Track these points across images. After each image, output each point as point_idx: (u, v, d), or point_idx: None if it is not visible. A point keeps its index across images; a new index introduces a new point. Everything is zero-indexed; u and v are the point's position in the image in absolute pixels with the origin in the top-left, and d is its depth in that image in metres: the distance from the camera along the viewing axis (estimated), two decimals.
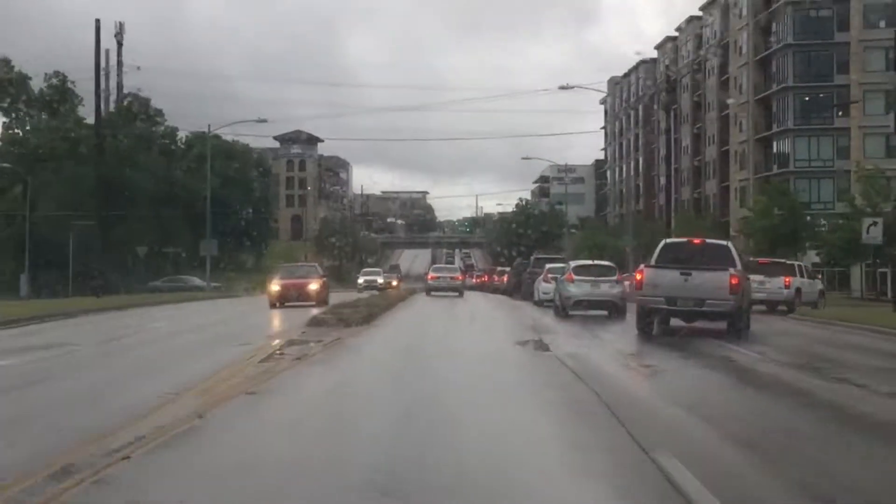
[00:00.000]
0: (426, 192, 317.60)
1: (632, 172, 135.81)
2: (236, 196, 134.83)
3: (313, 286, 43.45)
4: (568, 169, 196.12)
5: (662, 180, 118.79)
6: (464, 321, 36.99)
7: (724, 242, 28.93)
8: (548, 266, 43.55)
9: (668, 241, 29.80)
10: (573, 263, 41.54)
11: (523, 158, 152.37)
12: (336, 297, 46.07)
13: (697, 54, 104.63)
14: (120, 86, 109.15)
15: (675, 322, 27.74)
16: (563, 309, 36.32)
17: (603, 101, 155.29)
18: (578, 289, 36.42)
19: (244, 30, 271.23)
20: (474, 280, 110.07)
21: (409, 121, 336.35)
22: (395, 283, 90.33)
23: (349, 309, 34.69)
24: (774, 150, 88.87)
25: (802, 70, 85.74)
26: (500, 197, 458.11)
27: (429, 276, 67.21)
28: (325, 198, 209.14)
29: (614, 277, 37.46)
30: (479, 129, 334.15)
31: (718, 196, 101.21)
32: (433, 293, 61.81)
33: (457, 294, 61.83)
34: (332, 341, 23.62)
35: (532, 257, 53.41)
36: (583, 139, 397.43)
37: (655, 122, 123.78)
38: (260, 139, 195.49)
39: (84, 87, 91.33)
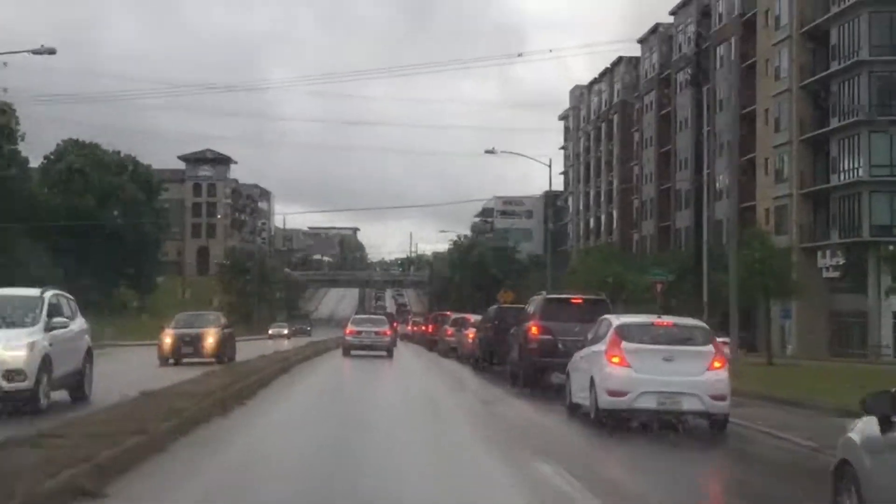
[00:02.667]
0: (356, 229, 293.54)
1: (602, 197, 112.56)
2: (117, 218, 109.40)
3: (210, 339, 37.19)
4: (515, 201, 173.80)
5: (641, 203, 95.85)
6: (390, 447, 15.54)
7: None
8: (621, 324, 18.40)
9: None
10: (629, 319, 19.56)
11: (441, 232, 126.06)
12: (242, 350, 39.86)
13: (702, 34, 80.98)
14: None
15: None
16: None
17: (564, 116, 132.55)
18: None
19: (156, 59, 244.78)
20: (409, 328, 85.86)
21: (335, 157, 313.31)
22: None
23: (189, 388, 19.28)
24: (834, 152, 65.25)
25: (882, 38, 62.42)
26: (433, 240, 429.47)
27: (347, 331, 49.94)
28: (239, 228, 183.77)
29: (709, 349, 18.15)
30: (410, 166, 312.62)
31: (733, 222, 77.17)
32: (353, 352, 46.95)
33: (384, 354, 46.68)
34: None
35: (539, 297, 29.03)
36: (523, 172, 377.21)
37: (635, 131, 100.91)
38: (162, 159, 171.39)
39: None
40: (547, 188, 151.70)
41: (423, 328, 71.02)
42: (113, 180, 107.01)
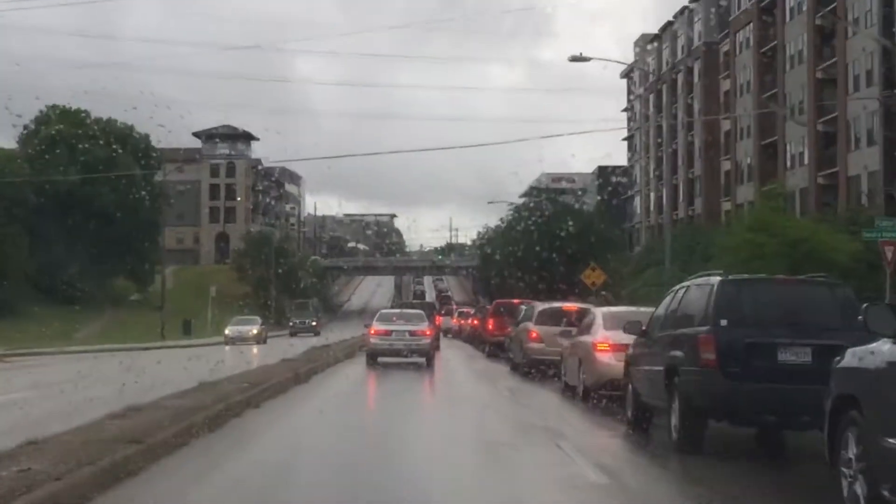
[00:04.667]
0: (394, 215, 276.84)
1: (679, 161, 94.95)
2: (109, 197, 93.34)
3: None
4: (566, 178, 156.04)
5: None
6: None
7: None
8: None
9: None
10: None
11: (489, 203, 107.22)
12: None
13: None
14: None
15: None
16: None
17: (626, 73, 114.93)
18: None
19: (183, 53, 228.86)
20: (455, 322, 69.11)
21: (366, 145, 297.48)
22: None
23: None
24: None
25: None
26: (472, 228, 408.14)
27: (371, 330, 35.87)
28: (264, 213, 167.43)
29: None
30: (445, 157, 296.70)
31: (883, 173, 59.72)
32: (381, 359, 34.48)
33: (422, 360, 34.30)
34: None
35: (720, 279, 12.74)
36: (562, 158, 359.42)
37: (723, 77, 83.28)
38: (176, 136, 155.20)
39: None
40: (599, 165, 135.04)
41: (473, 322, 54.10)
42: (102, 152, 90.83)
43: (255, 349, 50.05)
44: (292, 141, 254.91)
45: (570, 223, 53.50)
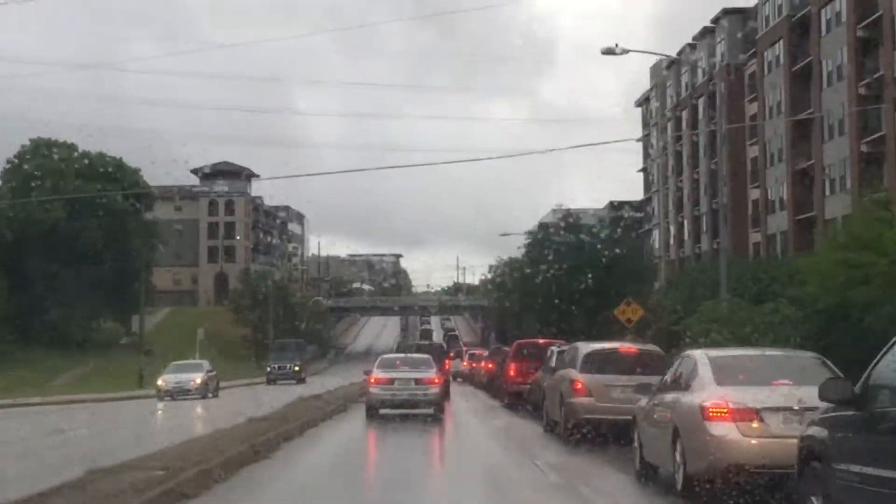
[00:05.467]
0: (399, 255, 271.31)
1: (701, 190, 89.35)
2: (95, 234, 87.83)
3: None
4: (575, 214, 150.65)
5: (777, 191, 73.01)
6: None
7: None
8: None
9: None
10: None
11: (502, 235, 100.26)
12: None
13: None
14: None
15: None
16: None
17: (642, 101, 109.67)
18: None
19: (184, 89, 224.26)
20: (466, 365, 63.53)
21: (369, 184, 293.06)
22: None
23: None
24: None
25: None
26: (480, 268, 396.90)
27: (371, 378, 31.12)
28: (265, 252, 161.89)
29: None
30: (451, 196, 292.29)
31: None
32: (383, 411, 29.83)
33: (430, 411, 29.42)
34: None
35: None
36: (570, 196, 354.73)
37: (750, 100, 77.83)
38: (173, 174, 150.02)
39: None
40: (613, 200, 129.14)
41: (488, 366, 48.26)
42: (90, 187, 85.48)
43: (199, 407, 39.79)
44: (293, 181, 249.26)
45: (603, 251, 47.52)
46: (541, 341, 34.62)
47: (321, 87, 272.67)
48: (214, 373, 51.93)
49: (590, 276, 46.96)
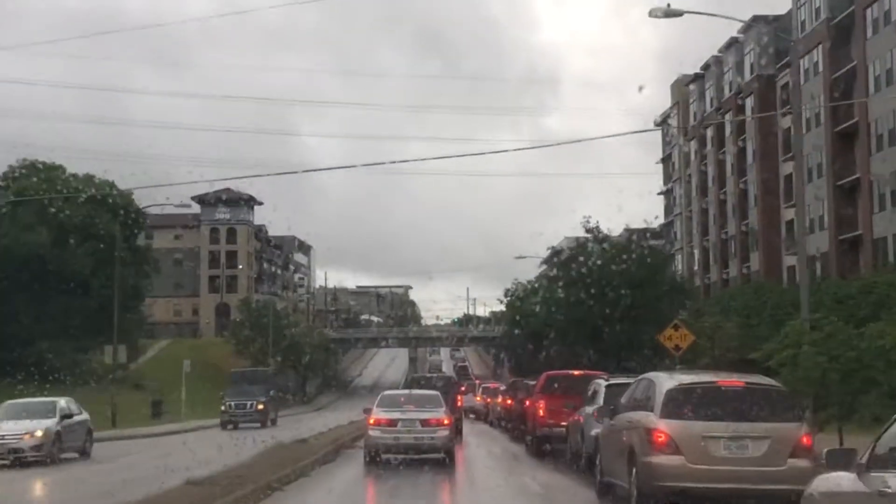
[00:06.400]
0: (409, 287, 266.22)
1: (729, 213, 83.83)
2: (85, 261, 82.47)
3: None
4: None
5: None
6: None
7: None
8: None
9: None
10: None
11: (517, 258, 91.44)
12: None
13: None
14: None
15: None
16: None
17: (662, 119, 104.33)
18: None
19: (185, 116, 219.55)
20: (479, 401, 58.03)
21: (377, 216, 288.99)
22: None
23: None
24: None
25: None
26: (490, 300, 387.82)
27: (371, 419, 26.46)
28: (269, 282, 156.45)
29: None
30: (460, 227, 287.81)
31: None
32: (385, 456, 25.76)
33: (440, 458, 25.34)
34: None
35: None
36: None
37: (785, 113, 72.36)
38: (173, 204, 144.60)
39: None
40: (630, 225, 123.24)
41: (506, 402, 42.58)
42: (77, 211, 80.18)
43: (37, 490, 23.11)
44: (299, 211, 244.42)
45: (635, 266, 41.56)
46: (575, 373, 28.92)
47: (324, 116, 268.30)
48: (83, 417, 33.31)
49: (625, 293, 41.11)
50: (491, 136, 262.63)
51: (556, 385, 28.10)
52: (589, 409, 21.48)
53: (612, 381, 21.07)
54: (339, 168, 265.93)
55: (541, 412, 27.67)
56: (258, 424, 51.61)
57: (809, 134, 68.03)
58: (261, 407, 54.09)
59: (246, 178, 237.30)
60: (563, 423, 25.40)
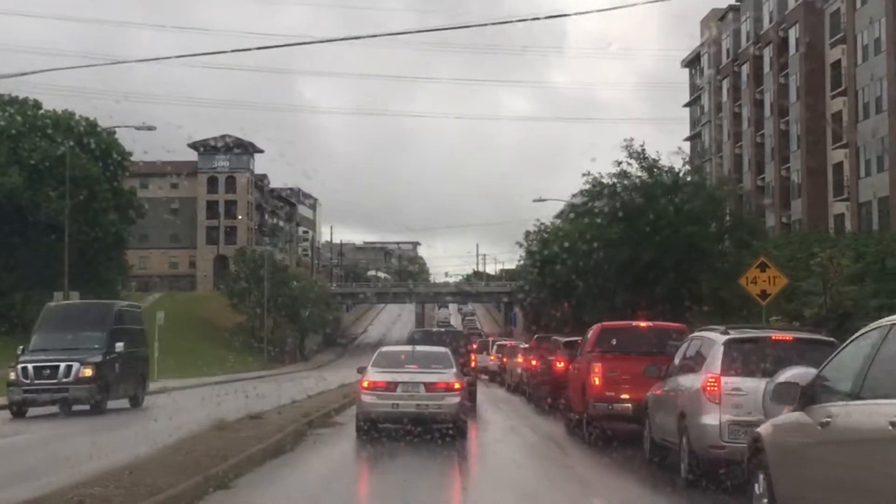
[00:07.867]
0: (417, 243, 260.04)
1: (766, 157, 76.53)
2: (60, 205, 75.42)
3: None
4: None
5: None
6: None
7: None
8: None
9: None
10: None
11: (535, 200, 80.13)
12: None
13: None
14: None
15: None
16: None
17: (690, 60, 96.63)
18: None
19: (187, 79, 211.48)
20: (493, 360, 51.19)
21: (385, 170, 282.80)
22: None
23: None
24: None
25: None
26: (500, 255, 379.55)
27: (364, 382, 20.34)
28: (270, 235, 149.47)
29: None
30: (468, 184, 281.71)
31: None
32: (381, 426, 20.74)
33: (448, 429, 20.27)
34: None
35: None
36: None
37: (833, 44, 64.88)
38: (172, 153, 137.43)
39: None
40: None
41: (532, 363, 35.57)
42: (52, 150, 73.14)
43: None
44: (304, 163, 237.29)
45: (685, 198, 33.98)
46: (642, 324, 21.31)
47: (329, 75, 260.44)
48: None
49: (682, 231, 33.79)
50: (499, 87, 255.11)
51: (614, 342, 20.31)
52: (686, 380, 14.40)
53: (735, 336, 13.68)
54: (341, 113, 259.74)
55: (596, 380, 19.66)
56: (82, 404, 28.74)
57: (867, 63, 60.67)
58: (88, 372, 28.50)
59: (248, 129, 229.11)
60: (629, 397, 18.30)
